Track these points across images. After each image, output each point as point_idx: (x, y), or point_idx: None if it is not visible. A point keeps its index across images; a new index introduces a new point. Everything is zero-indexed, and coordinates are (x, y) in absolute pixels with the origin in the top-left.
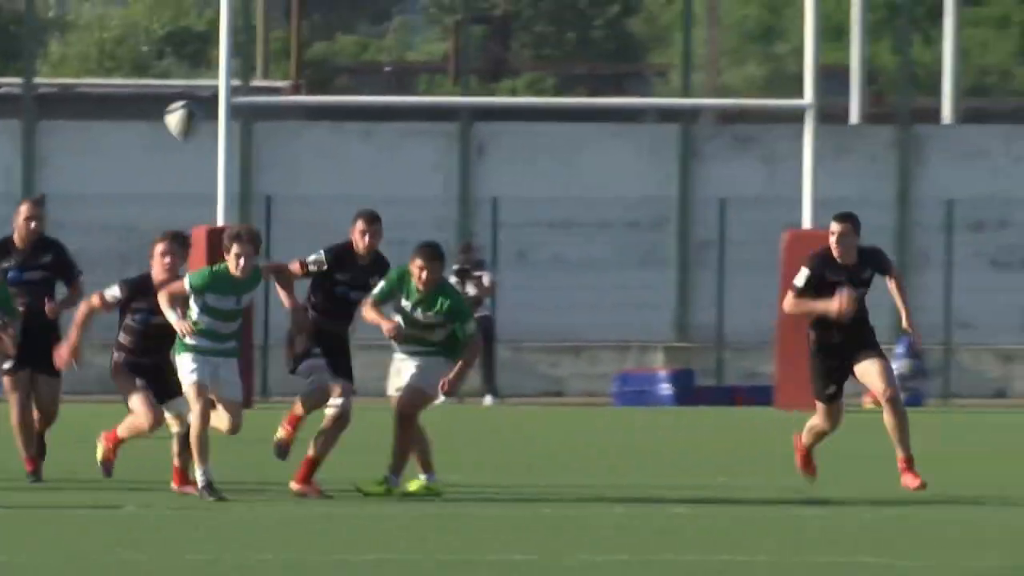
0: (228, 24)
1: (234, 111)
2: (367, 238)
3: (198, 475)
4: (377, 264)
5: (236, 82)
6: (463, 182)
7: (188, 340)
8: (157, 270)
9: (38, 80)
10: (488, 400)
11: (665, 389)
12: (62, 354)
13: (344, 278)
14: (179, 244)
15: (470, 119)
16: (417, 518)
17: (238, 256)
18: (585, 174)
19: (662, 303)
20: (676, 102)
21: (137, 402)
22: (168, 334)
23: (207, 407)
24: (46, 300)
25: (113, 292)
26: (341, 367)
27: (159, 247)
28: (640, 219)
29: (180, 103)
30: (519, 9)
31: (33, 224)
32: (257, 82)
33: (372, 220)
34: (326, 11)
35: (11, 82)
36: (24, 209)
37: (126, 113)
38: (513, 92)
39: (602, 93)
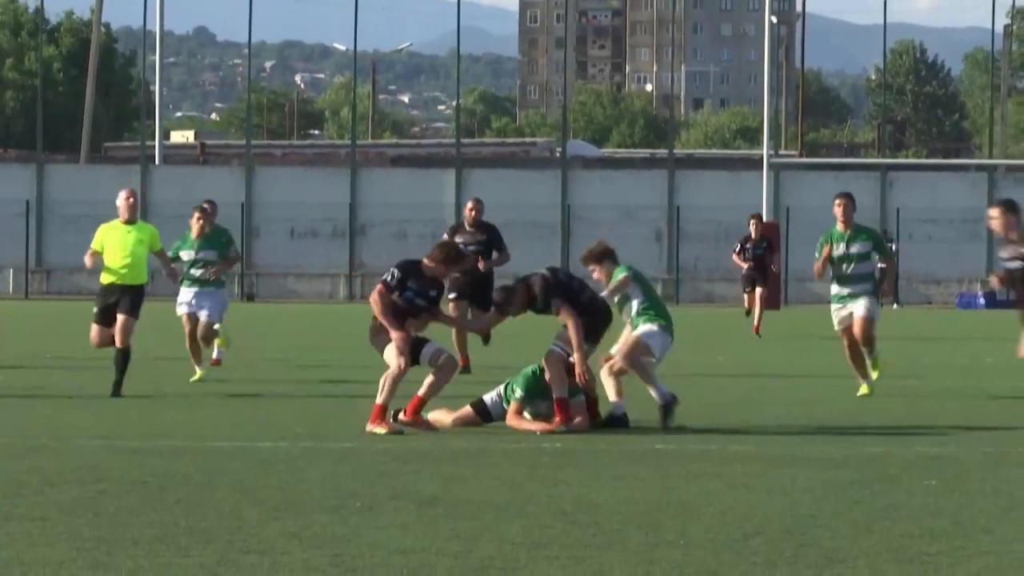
0: (768, 123)
1: (770, 166)
2: None
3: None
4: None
5: (771, 152)
6: (882, 203)
7: None
8: None
9: (676, 151)
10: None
11: (980, 300)
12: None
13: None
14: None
15: (886, 169)
16: None
17: None
18: (940, 198)
19: (979, 258)
20: (985, 161)
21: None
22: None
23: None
24: None
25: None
26: None
27: None
28: (966, 218)
29: None
30: (909, 116)
31: None
32: (782, 151)
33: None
34: (816, 115)
35: (661, 151)
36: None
37: (721, 167)
38: (906, 156)
39: (948, 157)
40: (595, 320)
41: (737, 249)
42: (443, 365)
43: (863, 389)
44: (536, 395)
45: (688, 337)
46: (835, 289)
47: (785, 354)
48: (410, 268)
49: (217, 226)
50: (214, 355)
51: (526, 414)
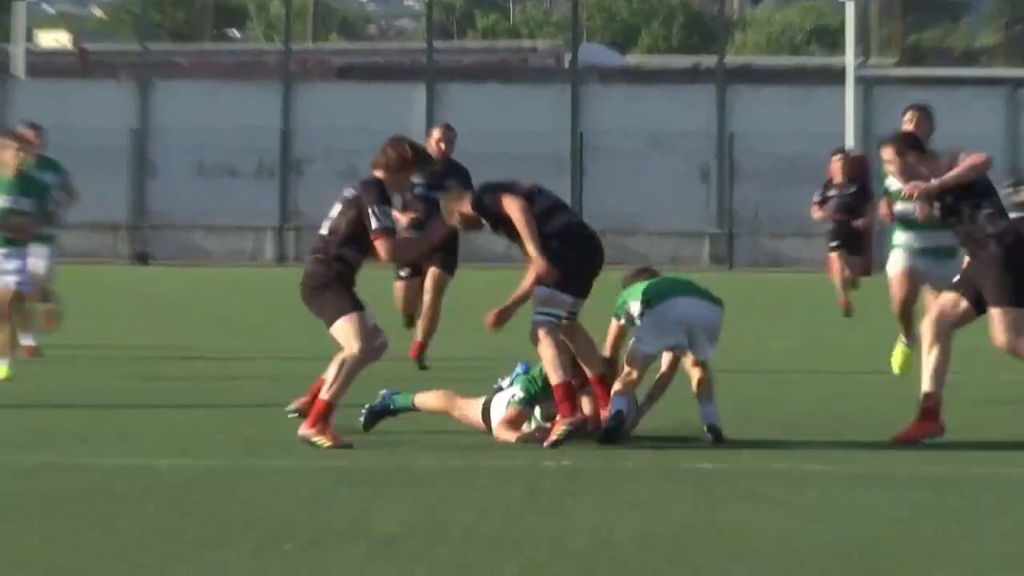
0: (855, 22)
1: (857, 80)
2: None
3: None
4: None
5: (858, 60)
6: (1011, 129)
7: None
8: None
9: (728, 59)
10: None
11: None
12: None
13: None
14: None
15: (1015, 84)
16: None
17: None
18: None
19: None
20: None
21: None
22: None
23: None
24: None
25: None
26: None
27: None
28: None
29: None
30: None
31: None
32: (872, 60)
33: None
34: (918, 12)
35: (707, 59)
36: None
37: (790, 81)
38: None
39: None
40: (571, 257)
41: (818, 199)
42: (376, 347)
43: (898, 356)
44: (538, 398)
45: (742, 313)
46: (901, 239)
47: (873, 338)
48: (383, 194)
49: (42, 157)
50: (26, 341)
51: (536, 418)
